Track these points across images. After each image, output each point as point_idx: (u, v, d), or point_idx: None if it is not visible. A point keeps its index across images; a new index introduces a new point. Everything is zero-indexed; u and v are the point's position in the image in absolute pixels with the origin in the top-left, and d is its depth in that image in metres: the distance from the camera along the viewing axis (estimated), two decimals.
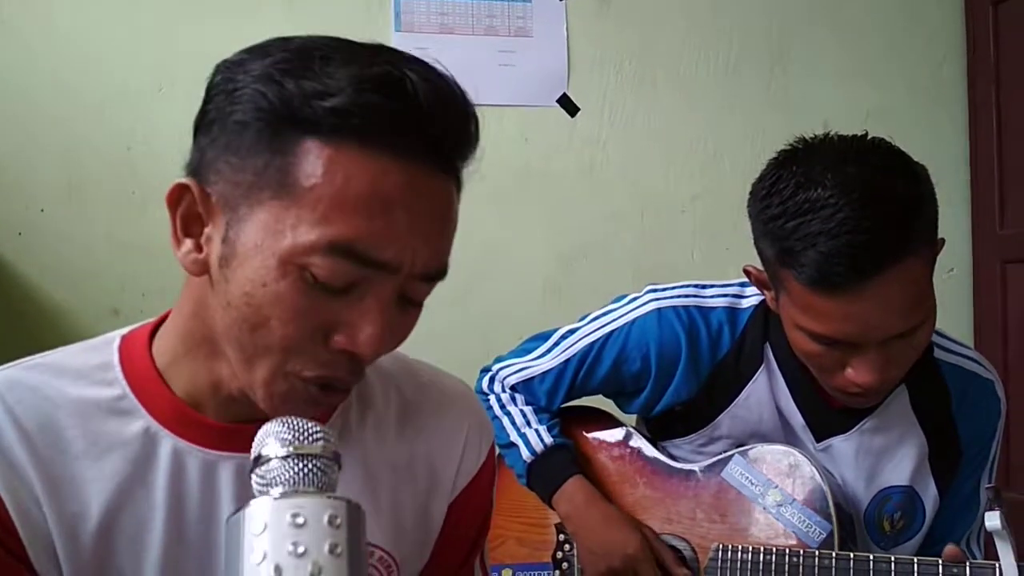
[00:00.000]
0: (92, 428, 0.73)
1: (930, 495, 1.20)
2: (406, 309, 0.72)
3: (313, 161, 0.64)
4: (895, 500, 1.20)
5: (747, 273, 1.15)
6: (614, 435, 1.35)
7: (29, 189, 2.09)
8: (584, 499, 1.26)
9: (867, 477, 1.20)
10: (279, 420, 0.61)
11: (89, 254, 2.09)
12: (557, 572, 1.33)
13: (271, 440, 0.59)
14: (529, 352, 1.36)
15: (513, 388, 1.36)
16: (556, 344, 1.33)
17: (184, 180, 0.70)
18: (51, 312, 2.08)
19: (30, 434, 0.71)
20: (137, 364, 0.76)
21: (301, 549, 0.54)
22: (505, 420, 1.34)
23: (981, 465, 1.21)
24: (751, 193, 1.08)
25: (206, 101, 0.70)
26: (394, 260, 0.67)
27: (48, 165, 2.09)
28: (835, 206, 0.96)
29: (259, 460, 0.59)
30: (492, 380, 1.39)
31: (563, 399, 1.34)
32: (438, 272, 0.72)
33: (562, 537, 1.33)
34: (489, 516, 0.96)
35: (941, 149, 2.41)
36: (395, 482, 0.84)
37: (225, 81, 0.68)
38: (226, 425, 0.75)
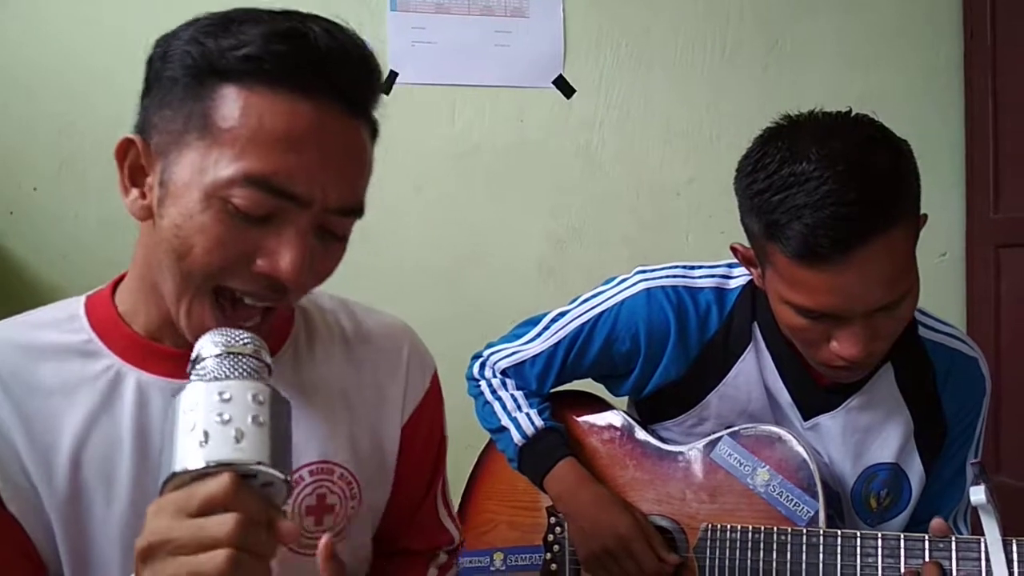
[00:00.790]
0: (62, 369, 0.81)
1: (916, 472, 1.21)
2: (328, 243, 0.79)
3: (231, 104, 0.73)
4: (881, 477, 1.21)
5: (734, 251, 1.15)
6: (604, 419, 1.36)
7: (21, 168, 2.08)
8: (575, 480, 1.27)
9: (854, 455, 1.21)
10: (216, 330, 0.70)
11: (80, 233, 2.09)
12: (548, 554, 1.34)
13: (207, 343, 0.68)
14: (519, 337, 1.36)
15: (504, 373, 1.37)
16: (546, 328, 1.33)
17: (129, 135, 0.78)
18: (42, 290, 2.08)
19: (4, 378, 0.79)
20: (101, 313, 0.85)
21: (226, 417, 0.62)
22: (496, 405, 1.34)
23: (966, 443, 1.22)
24: (738, 169, 1.09)
25: (147, 69, 0.79)
26: (305, 193, 0.74)
27: (40, 144, 2.08)
28: (820, 179, 0.97)
29: (196, 360, 0.67)
30: (483, 365, 1.39)
31: (554, 382, 1.35)
32: (352, 208, 0.78)
33: (553, 520, 1.34)
34: (444, 446, 1.05)
35: (936, 134, 2.41)
36: (348, 405, 0.92)
37: (161, 49, 0.78)
38: (186, 351, 0.80)
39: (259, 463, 0.61)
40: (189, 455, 0.61)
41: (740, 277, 1.24)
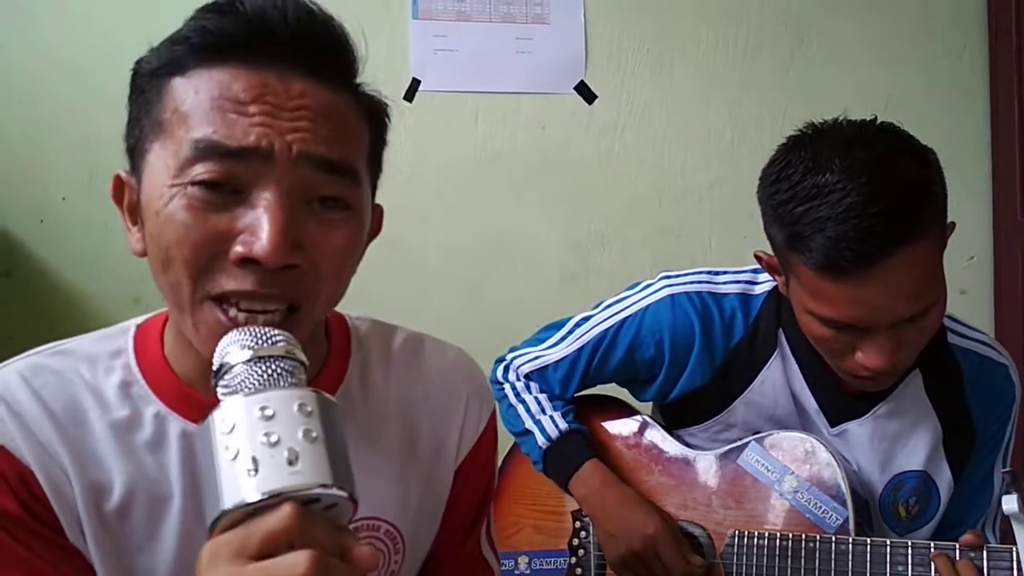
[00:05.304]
0: (109, 413, 0.76)
1: (944, 480, 1.20)
2: (326, 216, 0.69)
3: (173, 95, 0.68)
4: (910, 485, 1.20)
5: (758, 258, 1.15)
6: (629, 423, 1.36)
7: (50, 177, 2.11)
8: (601, 482, 1.27)
9: (882, 462, 1.20)
10: (239, 329, 0.61)
11: (110, 242, 2.11)
12: (573, 559, 1.33)
13: (232, 347, 0.59)
14: (543, 341, 1.36)
15: (527, 376, 1.37)
16: (570, 332, 1.33)
17: (120, 173, 0.75)
18: (71, 299, 2.10)
19: (56, 415, 0.75)
20: (149, 351, 0.79)
21: (274, 439, 0.53)
22: (520, 408, 1.34)
23: (995, 449, 1.21)
24: (761, 178, 1.09)
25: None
26: (261, 144, 0.66)
27: (69, 153, 2.11)
28: (843, 191, 0.96)
29: (222, 369, 0.59)
30: (507, 369, 1.39)
31: (577, 387, 1.35)
32: (332, 161, 0.69)
33: (578, 524, 1.34)
34: (492, 482, 0.99)
35: (962, 136, 2.39)
36: (400, 455, 0.86)
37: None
38: None
39: (320, 485, 0.53)
40: (239, 488, 0.52)
41: (765, 283, 1.24)
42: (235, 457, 0.53)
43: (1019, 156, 2.31)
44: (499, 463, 1.42)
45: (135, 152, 0.72)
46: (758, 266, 1.20)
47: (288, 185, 0.67)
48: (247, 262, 0.66)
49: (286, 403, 0.55)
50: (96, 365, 0.78)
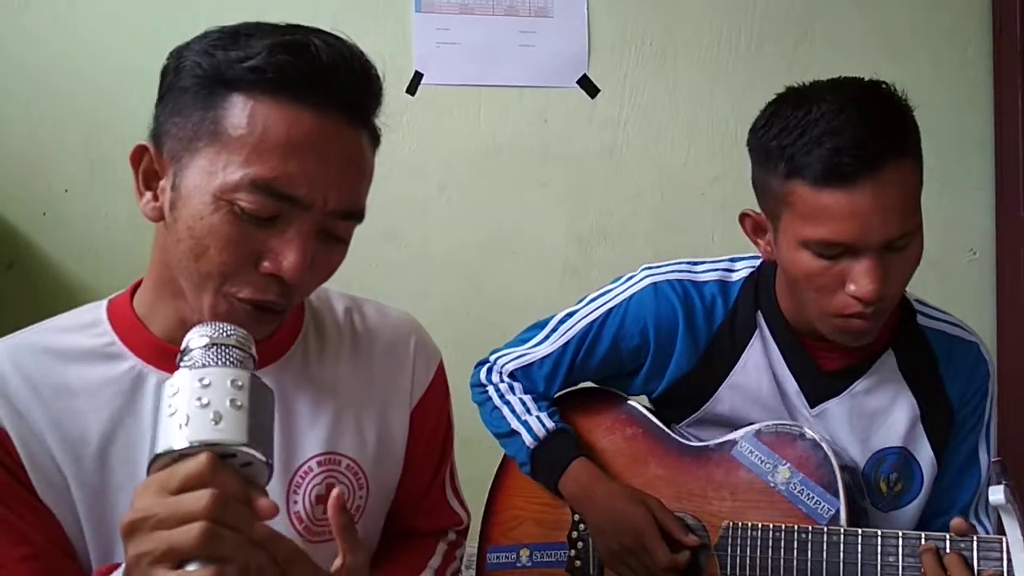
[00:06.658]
0: (87, 371, 0.87)
1: (925, 457, 1.21)
2: (331, 245, 0.84)
3: (238, 113, 0.78)
4: (890, 461, 1.21)
5: (744, 218, 1.18)
6: (622, 416, 1.35)
7: (52, 169, 2.13)
8: (589, 479, 1.27)
9: (861, 439, 1.21)
10: (206, 323, 0.72)
11: (111, 234, 2.13)
12: (573, 551, 1.34)
13: (195, 335, 0.71)
14: (527, 341, 1.37)
15: (511, 376, 1.37)
16: (554, 329, 1.34)
17: (143, 143, 0.84)
18: (73, 291, 2.12)
19: (35, 381, 0.85)
20: (121, 316, 0.90)
21: (205, 401, 0.65)
22: (505, 409, 1.34)
23: (976, 428, 1.22)
24: (751, 130, 1.14)
25: (161, 80, 0.84)
26: (307, 197, 0.79)
27: (71, 146, 2.12)
28: (837, 111, 1.02)
29: (184, 351, 0.70)
30: (489, 371, 1.39)
31: (562, 383, 1.35)
32: (351, 212, 0.84)
33: (577, 516, 1.34)
34: (450, 433, 1.11)
35: (966, 131, 2.38)
36: (355, 400, 0.98)
37: (174, 61, 0.83)
38: None
39: (237, 444, 0.65)
40: (171, 436, 0.64)
41: (743, 269, 1.27)
42: (173, 414, 0.65)
43: (1023, 151, 2.31)
44: (501, 455, 1.43)
45: (177, 137, 0.81)
46: (736, 255, 1.25)
47: (316, 227, 0.81)
48: (272, 275, 0.80)
49: (222, 377, 0.67)
50: (75, 333, 0.88)
